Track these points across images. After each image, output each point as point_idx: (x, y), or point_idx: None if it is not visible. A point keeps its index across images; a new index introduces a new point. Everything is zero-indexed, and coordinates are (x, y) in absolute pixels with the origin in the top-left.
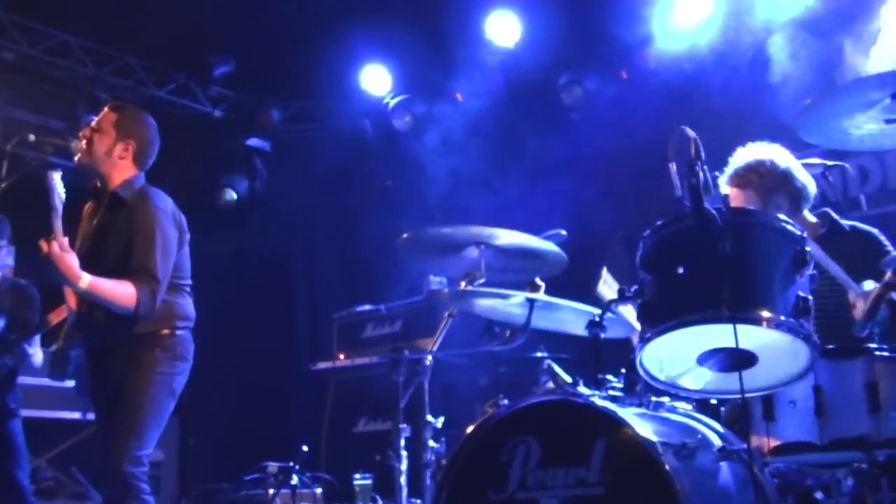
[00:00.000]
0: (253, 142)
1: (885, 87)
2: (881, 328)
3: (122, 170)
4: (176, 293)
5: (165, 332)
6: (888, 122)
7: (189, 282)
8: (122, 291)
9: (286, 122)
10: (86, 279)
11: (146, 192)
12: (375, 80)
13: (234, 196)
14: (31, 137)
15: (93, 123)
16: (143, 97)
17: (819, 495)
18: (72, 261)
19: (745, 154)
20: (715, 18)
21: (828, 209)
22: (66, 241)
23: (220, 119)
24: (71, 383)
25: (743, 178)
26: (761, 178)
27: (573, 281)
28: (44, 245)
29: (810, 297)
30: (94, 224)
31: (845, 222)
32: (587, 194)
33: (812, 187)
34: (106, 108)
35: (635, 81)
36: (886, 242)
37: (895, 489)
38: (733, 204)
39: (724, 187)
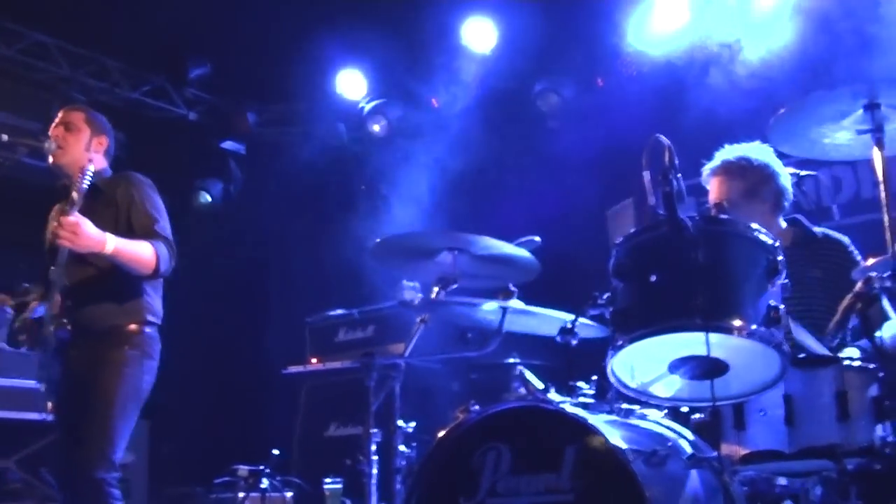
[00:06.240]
0: (228, 145)
1: (857, 98)
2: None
3: (94, 163)
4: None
5: (133, 327)
6: (860, 132)
7: None
8: (143, 248)
9: (261, 126)
10: (111, 241)
11: (125, 173)
12: (351, 84)
13: (209, 199)
14: (4, 138)
15: (58, 125)
16: (118, 99)
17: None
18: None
19: (736, 148)
20: (692, 26)
21: (799, 216)
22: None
23: (195, 122)
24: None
25: (732, 168)
26: (750, 172)
27: (546, 287)
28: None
29: (782, 307)
30: None
31: (817, 229)
32: (561, 201)
33: (790, 194)
34: (67, 110)
35: (612, 89)
36: (855, 251)
37: (864, 498)
38: (714, 196)
39: (707, 179)
